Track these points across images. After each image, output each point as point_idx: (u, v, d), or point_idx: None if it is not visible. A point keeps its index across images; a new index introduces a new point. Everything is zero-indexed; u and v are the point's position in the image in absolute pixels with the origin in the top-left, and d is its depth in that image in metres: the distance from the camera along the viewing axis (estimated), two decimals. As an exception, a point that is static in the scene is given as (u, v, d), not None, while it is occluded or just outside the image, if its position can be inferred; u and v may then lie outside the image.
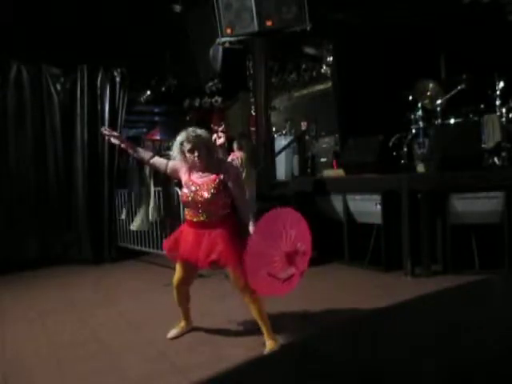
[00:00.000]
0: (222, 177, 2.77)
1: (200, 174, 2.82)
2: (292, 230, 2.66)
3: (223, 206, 2.79)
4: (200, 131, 2.80)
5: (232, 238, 2.74)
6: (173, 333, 3.16)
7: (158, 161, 3.00)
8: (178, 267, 3.00)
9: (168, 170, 2.96)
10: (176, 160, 2.84)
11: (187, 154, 2.75)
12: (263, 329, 2.85)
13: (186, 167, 2.86)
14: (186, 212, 2.91)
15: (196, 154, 2.73)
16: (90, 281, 5.20)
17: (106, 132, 3.02)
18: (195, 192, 2.76)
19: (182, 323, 3.24)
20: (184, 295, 3.15)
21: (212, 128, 4.93)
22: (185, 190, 2.82)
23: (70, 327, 3.47)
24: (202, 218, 2.78)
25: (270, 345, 2.80)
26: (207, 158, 2.78)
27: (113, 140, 3.01)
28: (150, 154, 3.07)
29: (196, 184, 2.79)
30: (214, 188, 2.74)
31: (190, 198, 2.77)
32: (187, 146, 2.73)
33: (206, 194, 2.73)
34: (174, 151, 2.80)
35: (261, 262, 2.59)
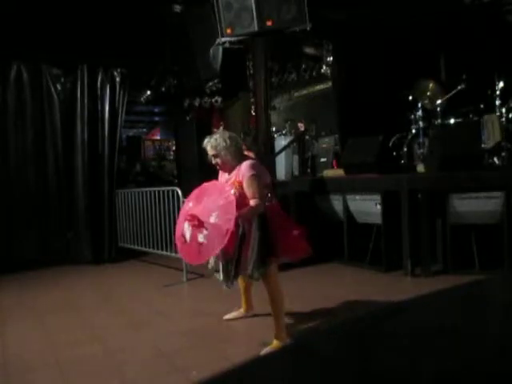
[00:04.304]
0: (239, 178, 2.81)
1: (226, 176, 2.94)
2: (210, 200, 2.73)
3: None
4: (216, 137, 2.86)
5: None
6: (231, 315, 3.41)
7: None
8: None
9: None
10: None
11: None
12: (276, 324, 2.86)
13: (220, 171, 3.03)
14: None
15: (215, 160, 2.88)
16: (90, 281, 5.20)
17: None
18: None
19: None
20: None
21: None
22: None
23: (70, 327, 3.47)
24: None
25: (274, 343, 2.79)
26: (224, 162, 2.87)
27: None
28: None
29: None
30: (237, 189, 2.76)
31: None
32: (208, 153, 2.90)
33: None
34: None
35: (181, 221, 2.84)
